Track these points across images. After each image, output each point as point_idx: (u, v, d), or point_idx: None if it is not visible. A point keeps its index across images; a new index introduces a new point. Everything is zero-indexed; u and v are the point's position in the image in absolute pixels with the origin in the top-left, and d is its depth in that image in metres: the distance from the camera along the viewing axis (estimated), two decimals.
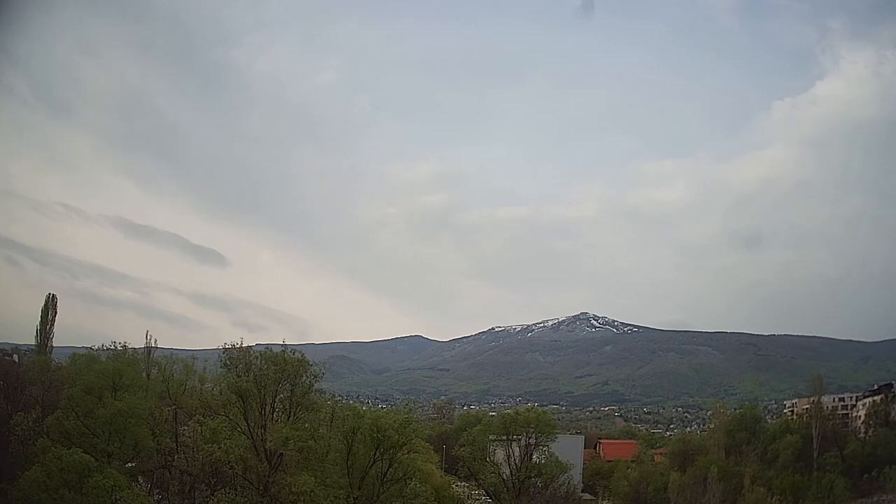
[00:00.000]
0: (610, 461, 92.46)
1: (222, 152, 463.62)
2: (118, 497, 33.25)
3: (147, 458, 42.63)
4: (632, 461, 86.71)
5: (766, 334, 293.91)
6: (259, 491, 37.22)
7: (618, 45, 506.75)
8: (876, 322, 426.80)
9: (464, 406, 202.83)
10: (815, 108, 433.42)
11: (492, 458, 58.97)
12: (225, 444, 37.01)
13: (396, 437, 38.45)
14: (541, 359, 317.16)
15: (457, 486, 63.23)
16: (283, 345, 42.22)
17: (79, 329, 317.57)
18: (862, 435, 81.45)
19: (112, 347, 54.43)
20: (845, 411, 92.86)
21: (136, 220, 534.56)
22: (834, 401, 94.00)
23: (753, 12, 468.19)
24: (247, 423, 39.14)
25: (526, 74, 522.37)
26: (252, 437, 38.83)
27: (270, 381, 39.71)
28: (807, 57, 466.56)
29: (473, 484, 63.07)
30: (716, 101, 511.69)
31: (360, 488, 38.27)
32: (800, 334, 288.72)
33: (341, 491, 36.64)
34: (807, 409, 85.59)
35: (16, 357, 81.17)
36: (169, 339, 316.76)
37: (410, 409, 58.49)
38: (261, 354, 40.94)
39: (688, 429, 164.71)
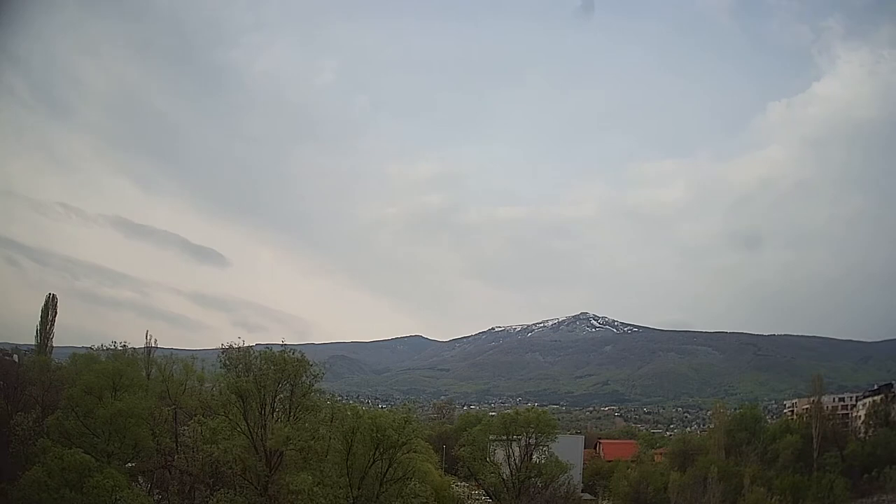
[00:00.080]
0: (610, 461, 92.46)
1: (222, 152, 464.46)
2: (118, 497, 33.28)
3: (147, 458, 42.67)
4: (632, 461, 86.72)
5: (766, 334, 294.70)
6: (258, 491, 37.22)
7: (616, 46, 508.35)
8: (876, 322, 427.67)
9: (464, 406, 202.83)
10: (813, 108, 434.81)
11: (492, 458, 58.97)
12: (224, 444, 37.01)
13: (396, 436, 38.40)
14: (541, 359, 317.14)
15: (457, 486, 63.24)
16: (283, 345, 42.24)
17: (79, 329, 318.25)
18: (862, 435, 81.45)
19: (112, 347, 54.61)
20: (845, 411, 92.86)
21: (135, 220, 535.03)
22: (834, 401, 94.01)
23: (751, 12, 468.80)
24: (246, 423, 39.11)
25: (525, 74, 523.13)
26: (252, 437, 38.81)
27: (270, 381, 39.68)
28: (804, 57, 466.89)
29: (473, 484, 63.06)
30: (715, 101, 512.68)
31: (359, 488, 38.23)
32: (800, 334, 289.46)
33: (341, 490, 36.61)
34: (807, 409, 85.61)
35: (16, 357, 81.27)
36: (169, 339, 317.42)
37: (410, 409, 58.38)
38: (261, 354, 40.91)
39: (688, 429, 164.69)
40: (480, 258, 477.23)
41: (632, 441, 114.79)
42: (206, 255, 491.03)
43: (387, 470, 38.84)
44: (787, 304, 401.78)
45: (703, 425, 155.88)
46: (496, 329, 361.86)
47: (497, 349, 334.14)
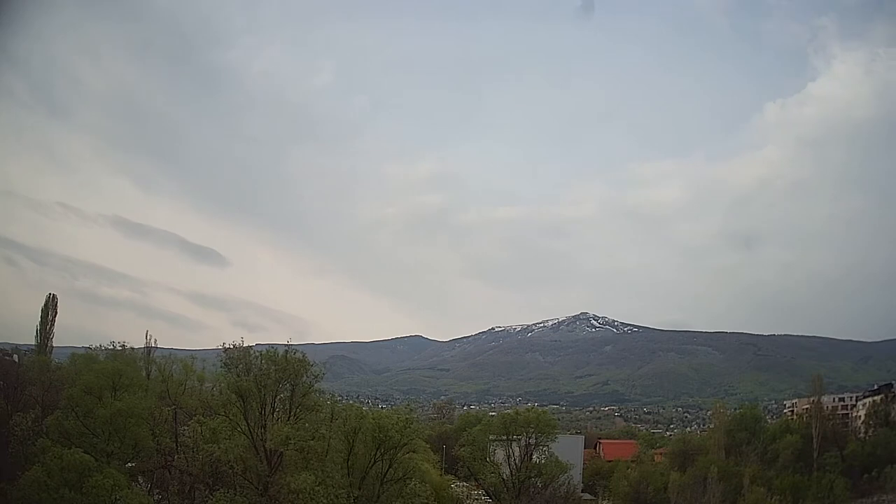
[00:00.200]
0: (610, 461, 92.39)
1: (221, 152, 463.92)
2: (118, 497, 33.30)
3: (147, 457, 42.68)
4: (632, 461, 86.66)
5: (766, 334, 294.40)
6: (258, 491, 37.21)
7: (614, 46, 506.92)
8: (876, 322, 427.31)
9: (464, 406, 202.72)
10: (810, 108, 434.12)
11: (492, 458, 58.93)
12: (224, 443, 37.00)
13: (398, 437, 38.40)
14: (541, 359, 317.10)
15: (456, 485, 63.22)
16: (286, 345, 42.25)
17: (79, 329, 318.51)
18: (862, 435, 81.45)
19: (111, 347, 54.66)
20: (845, 411, 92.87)
21: (134, 220, 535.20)
22: (834, 401, 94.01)
23: (747, 12, 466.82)
24: (247, 422, 39.12)
25: (524, 74, 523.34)
26: (252, 437, 38.81)
27: (271, 380, 39.70)
28: (800, 56, 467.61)
29: (473, 484, 63.03)
30: (712, 100, 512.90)
31: (360, 488, 38.22)
32: (800, 334, 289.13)
33: (342, 490, 36.60)
34: (807, 409, 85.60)
35: (16, 357, 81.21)
36: (168, 338, 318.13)
37: (412, 410, 58.39)
38: (262, 354, 40.92)
39: (688, 429, 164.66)
40: (480, 258, 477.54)
41: (632, 441, 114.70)
42: (205, 254, 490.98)
43: (387, 470, 38.84)
44: (787, 304, 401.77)
45: (703, 425, 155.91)
46: (496, 329, 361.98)
47: (497, 349, 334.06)
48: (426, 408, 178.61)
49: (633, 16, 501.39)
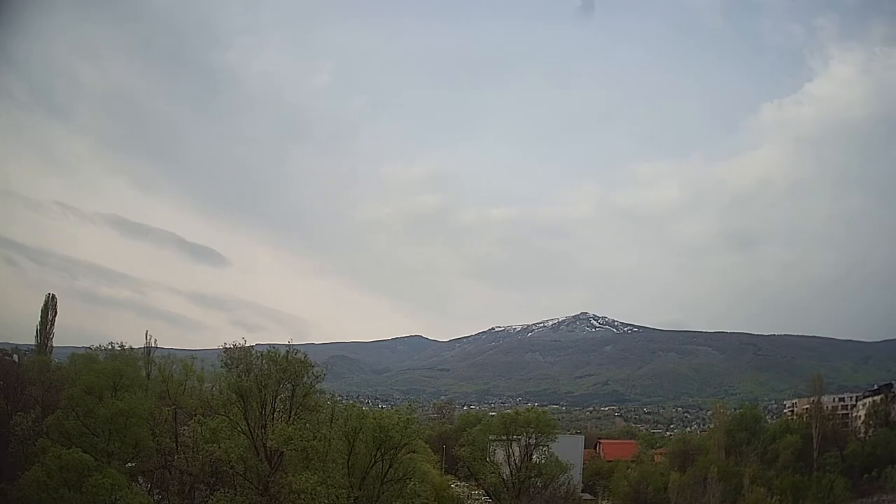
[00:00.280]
0: (610, 461, 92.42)
1: (219, 153, 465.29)
2: (118, 496, 33.30)
3: (147, 457, 42.68)
4: (632, 461, 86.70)
5: (766, 334, 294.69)
6: (259, 491, 37.19)
7: (613, 46, 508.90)
8: (876, 322, 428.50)
9: (464, 406, 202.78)
10: (808, 108, 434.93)
11: (492, 458, 58.94)
12: (225, 443, 36.98)
13: (399, 437, 38.38)
14: (541, 359, 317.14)
15: (456, 485, 63.23)
16: (286, 345, 42.19)
17: (78, 329, 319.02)
18: (862, 435, 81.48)
19: (111, 347, 54.62)
20: (845, 411, 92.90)
21: (133, 220, 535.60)
22: (834, 401, 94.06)
23: (744, 12, 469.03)
24: (247, 422, 39.07)
25: (522, 74, 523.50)
26: (252, 437, 38.78)
27: (272, 381, 39.67)
28: (797, 56, 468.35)
29: (473, 484, 63.04)
30: (710, 100, 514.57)
31: (360, 488, 38.22)
32: (800, 334, 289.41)
33: (342, 490, 36.59)
34: (807, 409, 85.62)
35: (16, 357, 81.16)
36: (168, 338, 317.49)
37: (412, 410, 58.37)
38: (263, 355, 40.87)
39: (688, 429, 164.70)
40: (480, 258, 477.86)
41: (632, 441, 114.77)
42: (204, 254, 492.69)
43: (387, 470, 38.84)
44: (787, 304, 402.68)
45: (703, 425, 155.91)
46: (496, 329, 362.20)
47: (497, 349, 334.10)
48: (426, 408, 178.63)
49: (633, 16, 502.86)
